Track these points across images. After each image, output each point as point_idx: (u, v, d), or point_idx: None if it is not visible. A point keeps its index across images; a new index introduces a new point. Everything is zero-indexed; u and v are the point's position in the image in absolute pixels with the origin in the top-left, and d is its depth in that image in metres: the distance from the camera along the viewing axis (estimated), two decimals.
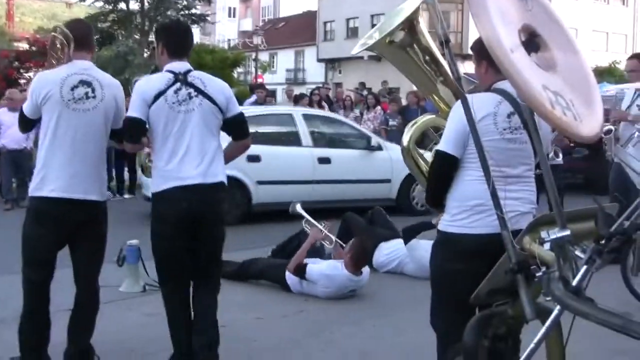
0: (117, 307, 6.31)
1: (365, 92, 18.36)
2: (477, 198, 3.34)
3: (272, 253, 7.58)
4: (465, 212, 3.42)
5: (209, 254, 4.53)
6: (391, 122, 14.68)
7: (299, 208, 7.77)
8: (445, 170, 3.49)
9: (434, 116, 3.96)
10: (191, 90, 4.36)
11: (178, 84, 4.37)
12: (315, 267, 6.65)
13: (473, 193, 3.36)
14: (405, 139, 3.93)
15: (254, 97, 15.43)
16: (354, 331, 5.76)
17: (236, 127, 4.54)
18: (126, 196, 13.56)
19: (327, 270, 6.57)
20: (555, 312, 2.10)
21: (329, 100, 17.60)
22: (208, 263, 4.55)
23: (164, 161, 4.37)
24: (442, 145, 3.45)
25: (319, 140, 11.32)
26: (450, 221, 3.50)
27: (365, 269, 6.70)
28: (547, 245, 2.20)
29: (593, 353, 4.95)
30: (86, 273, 4.66)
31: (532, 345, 2.24)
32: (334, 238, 7.26)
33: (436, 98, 3.80)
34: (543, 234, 2.21)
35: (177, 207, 4.34)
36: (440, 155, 3.48)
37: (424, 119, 4.04)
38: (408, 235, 7.43)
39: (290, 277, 6.77)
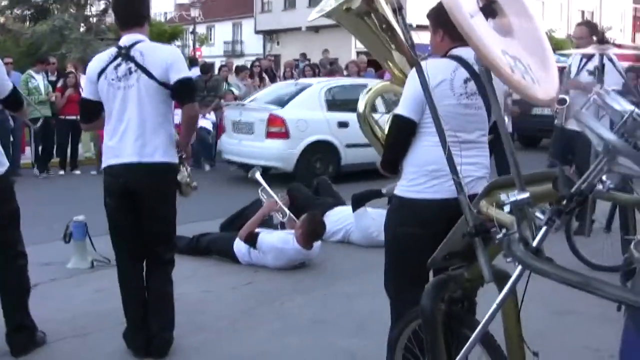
0: (65, 284, 6.23)
1: (303, 64, 18.23)
2: (435, 163, 3.33)
3: (220, 227, 7.51)
4: (423, 176, 3.43)
5: (154, 234, 4.50)
6: None
7: (257, 175, 7.66)
8: (403, 134, 3.48)
9: (388, 82, 3.99)
10: (131, 65, 4.27)
11: (119, 59, 4.30)
12: (267, 237, 6.62)
13: (431, 158, 3.36)
14: (361, 105, 3.92)
15: (194, 71, 15.19)
16: (305, 301, 5.77)
17: (176, 92, 4.29)
18: (61, 172, 13.15)
19: (278, 243, 6.55)
20: (517, 272, 2.13)
21: (271, 72, 17.45)
22: (154, 242, 4.51)
23: (108, 137, 4.42)
24: (400, 110, 3.45)
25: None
26: (407, 186, 3.50)
27: (316, 242, 6.70)
28: (506, 208, 2.23)
29: (542, 314, 5.06)
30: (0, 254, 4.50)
31: (494, 307, 2.26)
32: (287, 212, 7.23)
33: (391, 65, 3.79)
34: (502, 197, 2.24)
35: (115, 182, 4.39)
36: (398, 120, 3.47)
37: (378, 86, 4.06)
38: (357, 203, 7.43)
39: (238, 249, 6.72)
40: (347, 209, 7.65)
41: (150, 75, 4.23)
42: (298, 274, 6.52)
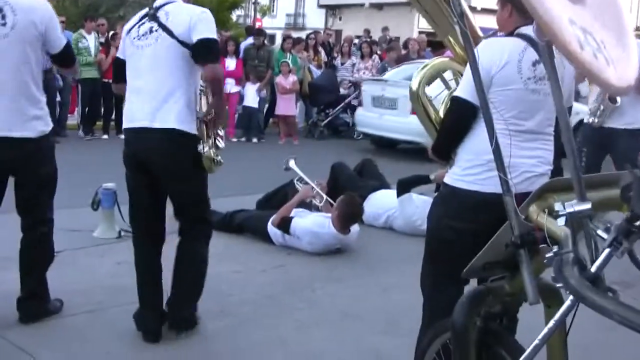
0: (88, 254, 5.98)
1: (360, 40, 17.74)
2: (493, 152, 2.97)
3: (257, 204, 7.18)
4: (478, 166, 3.14)
5: (181, 210, 4.22)
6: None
7: (292, 164, 7.34)
8: (461, 119, 3.20)
9: (447, 59, 3.63)
10: (154, 24, 3.98)
11: (146, 19, 4.04)
12: (301, 222, 6.28)
13: (490, 147, 2.95)
14: (415, 82, 3.56)
15: (249, 41, 14.86)
16: (335, 289, 5.42)
17: (196, 51, 3.91)
18: (105, 137, 12.87)
19: (313, 227, 6.20)
20: (568, 303, 1.71)
21: (328, 46, 17.01)
22: (177, 215, 4.21)
23: (126, 100, 4.18)
24: (460, 92, 3.16)
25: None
26: (459, 175, 3.21)
27: (354, 227, 6.34)
28: (561, 220, 1.80)
29: (587, 327, 4.59)
30: (26, 217, 4.32)
31: (536, 342, 1.86)
32: (324, 196, 6.87)
33: (452, 40, 3.42)
34: (557, 206, 1.80)
35: (128, 149, 4.16)
36: (457, 102, 3.17)
37: (435, 61, 3.68)
38: (402, 188, 7.05)
39: (272, 230, 6.42)
40: (391, 193, 7.26)
41: (170, 33, 3.93)
42: (333, 260, 6.17)
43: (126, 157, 4.15)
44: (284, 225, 6.29)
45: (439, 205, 3.38)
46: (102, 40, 13.04)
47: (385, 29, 18.10)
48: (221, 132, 4.27)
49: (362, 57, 15.35)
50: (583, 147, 6.52)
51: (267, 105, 14.15)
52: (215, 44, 4.00)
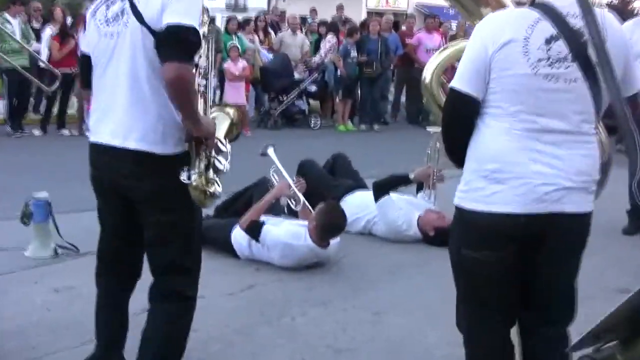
0: (19, 279, 5.15)
1: (316, 20, 17.12)
2: (496, 160, 2.62)
3: (215, 210, 6.38)
4: (480, 179, 2.68)
5: (148, 241, 3.29)
6: (352, 54, 13.69)
7: (271, 152, 6.50)
8: (458, 114, 2.77)
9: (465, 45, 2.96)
10: (126, 4, 3.02)
11: None
12: (274, 230, 5.58)
13: (491, 152, 2.65)
14: (427, 73, 3.15)
15: None
16: (318, 316, 4.72)
17: (160, 42, 2.92)
18: (37, 133, 11.92)
19: (287, 238, 5.50)
20: None
21: (277, 27, 16.32)
22: (149, 254, 3.35)
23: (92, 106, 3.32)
24: (455, 81, 2.70)
25: None
26: (463, 192, 2.76)
27: (334, 239, 5.65)
28: None
29: None
30: None
31: None
32: (302, 198, 6.12)
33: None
34: None
35: (91, 169, 3.30)
36: (453, 95, 2.74)
37: (456, 46, 3.16)
38: (379, 191, 6.44)
39: (237, 240, 5.70)
40: (369, 194, 6.64)
41: (139, 17, 2.96)
42: (310, 277, 5.46)
43: (92, 178, 3.32)
44: (254, 229, 5.59)
45: (453, 233, 2.94)
46: (37, 25, 12.12)
47: (340, 8, 17.41)
48: (225, 146, 3.29)
49: (320, 37, 14.90)
50: None
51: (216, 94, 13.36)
52: (188, 33, 2.88)
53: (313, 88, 14.18)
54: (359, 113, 14.47)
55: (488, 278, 2.75)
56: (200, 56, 3.14)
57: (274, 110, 13.95)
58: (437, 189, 6.64)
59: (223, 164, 3.20)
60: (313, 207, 5.85)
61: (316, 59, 14.38)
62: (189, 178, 3.05)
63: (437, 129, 6.51)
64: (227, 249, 5.74)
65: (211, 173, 3.15)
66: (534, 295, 2.79)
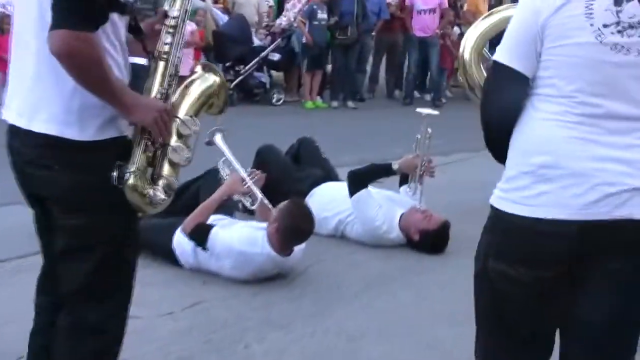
0: None
1: None
2: (545, 152, 2.53)
3: None
4: (526, 175, 2.58)
5: (56, 253, 3.08)
6: (320, 15, 13.71)
7: (219, 140, 6.33)
8: (502, 95, 2.69)
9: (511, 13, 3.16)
10: None
11: None
12: (224, 234, 5.45)
13: (541, 142, 2.57)
14: (467, 47, 3.29)
15: None
16: (279, 341, 4.61)
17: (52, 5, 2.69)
18: None
19: (240, 244, 5.38)
20: None
21: None
22: (57, 270, 3.12)
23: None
24: (500, 54, 2.65)
25: None
26: (503, 190, 2.68)
27: (299, 246, 5.56)
28: None
29: None
30: None
31: None
32: (259, 195, 5.99)
33: None
34: None
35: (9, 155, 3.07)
36: (495, 70, 2.69)
37: (502, 13, 3.29)
38: (356, 182, 6.37)
39: (180, 246, 5.58)
40: (341, 186, 6.61)
41: None
42: (268, 291, 5.35)
43: (12, 166, 3.12)
44: (200, 233, 5.48)
45: (483, 238, 2.80)
46: None
47: None
48: (189, 127, 3.07)
49: None
50: None
51: None
52: None
53: (276, 57, 14.20)
54: (330, 87, 14.43)
55: (520, 302, 2.66)
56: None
57: (229, 83, 13.77)
58: (425, 184, 6.61)
59: (180, 153, 3.00)
60: (274, 205, 5.75)
61: (281, 21, 14.35)
62: (120, 179, 2.85)
63: (430, 111, 6.54)
64: (168, 257, 5.65)
65: (165, 168, 2.98)
66: (581, 329, 2.68)
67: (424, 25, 14.55)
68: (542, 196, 2.53)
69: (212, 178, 6.18)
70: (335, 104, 14.07)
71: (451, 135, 9.28)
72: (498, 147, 2.74)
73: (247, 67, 13.92)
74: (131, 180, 2.86)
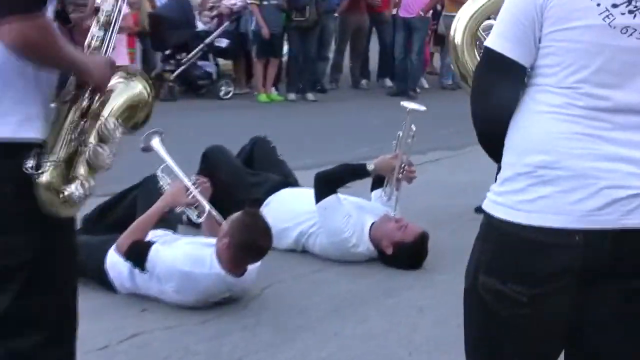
0: None
1: None
2: (544, 151, 2.56)
3: (83, 223, 6.19)
4: (523, 177, 2.60)
5: None
6: None
7: (155, 143, 6.30)
8: (494, 85, 2.72)
9: None
10: None
11: None
12: (166, 253, 5.40)
13: (539, 139, 2.60)
14: (458, 29, 3.38)
15: None
16: None
17: None
18: None
19: (184, 264, 5.34)
20: None
21: None
22: None
23: None
24: (492, 39, 2.69)
25: None
26: (497, 194, 2.69)
27: (254, 264, 5.53)
28: None
29: None
30: None
31: None
32: (207, 206, 5.99)
33: None
34: None
35: None
36: (488, 57, 2.74)
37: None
38: (324, 186, 6.38)
39: (114, 268, 5.53)
40: (303, 193, 6.71)
41: None
42: (220, 320, 5.31)
43: None
44: (138, 253, 5.43)
45: (475, 248, 2.80)
46: None
47: None
48: (114, 130, 3.11)
49: None
50: None
51: None
52: None
53: (223, 43, 14.27)
54: (287, 78, 14.41)
55: (513, 326, 2.66)
56: None
57: (169, 74, 14.07)
58: (401, 189, 6.61)
59: (103, 155, 3.02)
60: (224, 217, 5.75)
61: (228, 1, 14.36)
62: (37, 167, 2.81)
63: (416, 106, 6.51)
64: (100, 280, 5.59)
65: (81, 168, 2.97)
66: (587, 354, 2.68)
67: (407, 3, 14.61)
68: (539, 201, 2.54)
69: (150, 187, 6.14)
70: (292, 96, 14.17)
71: (428, 131, 9.27)
72: (491, 144, 2.76)
73: (189, 55, 14.03)
74: (49, 172, 2.85)
